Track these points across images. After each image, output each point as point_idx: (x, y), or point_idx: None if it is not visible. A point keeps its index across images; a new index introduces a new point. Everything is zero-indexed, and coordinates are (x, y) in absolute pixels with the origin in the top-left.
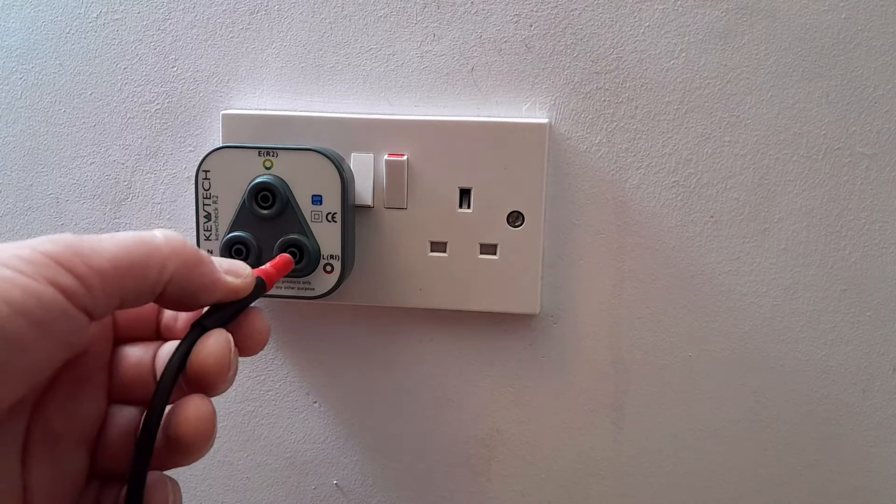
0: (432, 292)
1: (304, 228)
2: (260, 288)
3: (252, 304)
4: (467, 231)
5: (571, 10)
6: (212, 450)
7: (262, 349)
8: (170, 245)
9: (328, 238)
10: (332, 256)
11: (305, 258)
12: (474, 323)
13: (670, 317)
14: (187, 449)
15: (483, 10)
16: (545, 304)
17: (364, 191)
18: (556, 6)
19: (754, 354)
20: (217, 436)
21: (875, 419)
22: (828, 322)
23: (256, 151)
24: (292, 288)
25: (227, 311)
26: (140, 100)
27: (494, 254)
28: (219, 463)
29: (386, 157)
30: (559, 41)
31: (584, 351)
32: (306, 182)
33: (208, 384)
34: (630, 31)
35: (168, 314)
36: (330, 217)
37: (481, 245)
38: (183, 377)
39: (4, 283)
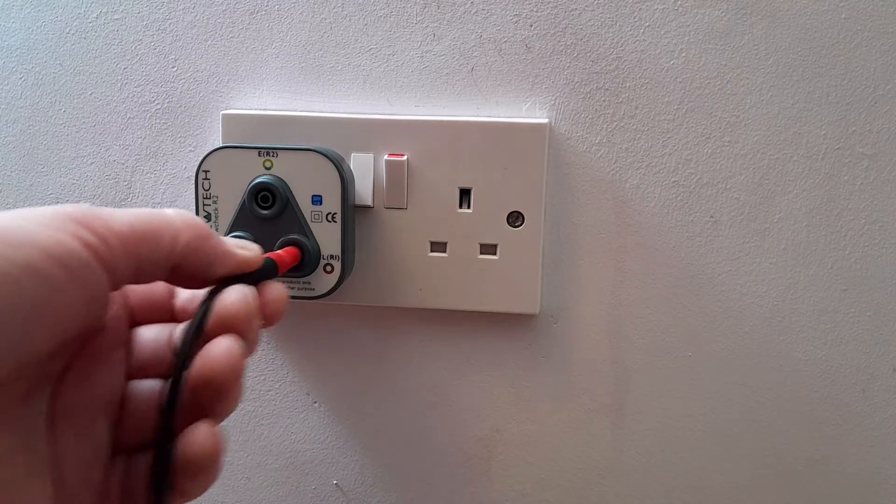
0: (432, 292)
1: (304, 228)
2: (272, 269)
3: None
4: (467, 231)
5: (571, 10)
6: None
7: (280, 318)
8: (181, 218)
9: (328, 238)
10: (332, 256)
11: (305, 258)
12: (474, 323)
13: (670, 317)
14: (217, 394)
15: (483, 10)
16: (545, 304)
17: (364, 191)
18: (556, 6)
19: (754, 354)
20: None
21: (875, 419)
22: (828, 322)
23: (256, 151)
24: (292, 288)
25: (242, 282)
26: (140, 100)
27: (494, 254)
28: None
29: (386, 157)
30: (559, 41)
31: (584, 351)
32: (306, 182)
33: (234, 330)
34: (630, 31)
35: (181, 298)
36: (330, 217)
37: (481, 245)
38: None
39: (32, 232)
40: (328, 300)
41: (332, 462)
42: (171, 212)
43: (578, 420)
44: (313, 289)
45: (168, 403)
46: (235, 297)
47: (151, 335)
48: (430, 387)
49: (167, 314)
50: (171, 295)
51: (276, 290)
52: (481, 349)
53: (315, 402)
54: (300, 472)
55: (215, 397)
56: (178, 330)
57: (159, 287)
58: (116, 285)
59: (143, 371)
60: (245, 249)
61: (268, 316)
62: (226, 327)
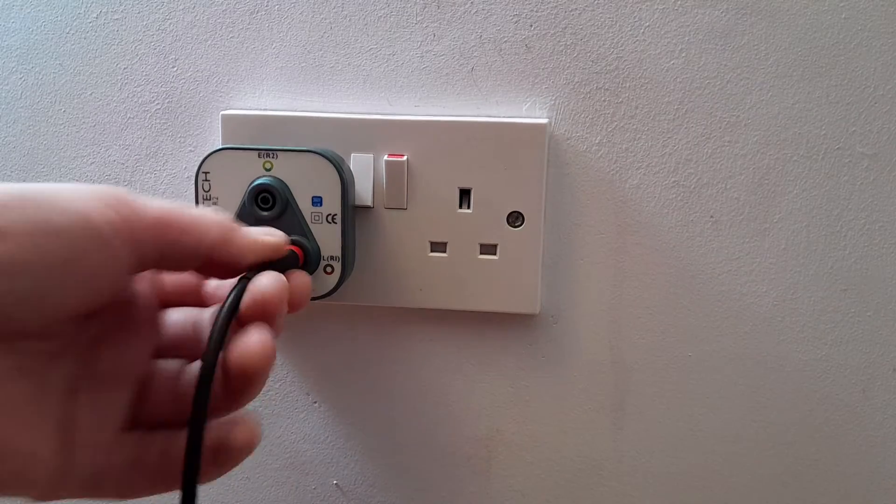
0: (432, 292)
1: (304, 230)
2: (294, 258)
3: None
4: (467, 231)
5: (571, 10)
6: None
7: (305, 306)
8: (210, 216)
9: (328, 239)
10: (332, 257)
11: (306, 259)
12: (474, 323)
13: (670, 317)
14: (251, 381)
15: (483, 10)
16: (545, 304)
17: (364, 191)
18: (556, 6)
19: (754, 354)
20: None
21: (875, 419)
22: (828, 322)
23: (256, 153)
24: None
25: (271, 269)
26: (140, 100)
27: (494, 254)
28: None
29: (386, 157)
30: (559, 41)
31: (584, 351)
32: (306, 183)
33: (267, 312)
34: (630, 31)
35: (211, 285)
36: (330, 218)
37: (481, 245)
38: (236, 321)
39: (73, 202)
40: (328, 300)
41: (332, 462)
42: (200, 210)
43: (578, 420)
44: (313, 289)
45: (202, 379)
46: (269, 281)
47: (180, 317)
48: (430, 387)
49: (196, 299)
50: (201, 282)
51: (302, 277)
52: (481, 349)
53: (315, 402)
54: (300, 472)
55: (249, 384)
56: (209, 313)
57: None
58: (141, 266)
59: (169, 351)
60: (272, 236)
61: (294, 303)
62: (259, 310)
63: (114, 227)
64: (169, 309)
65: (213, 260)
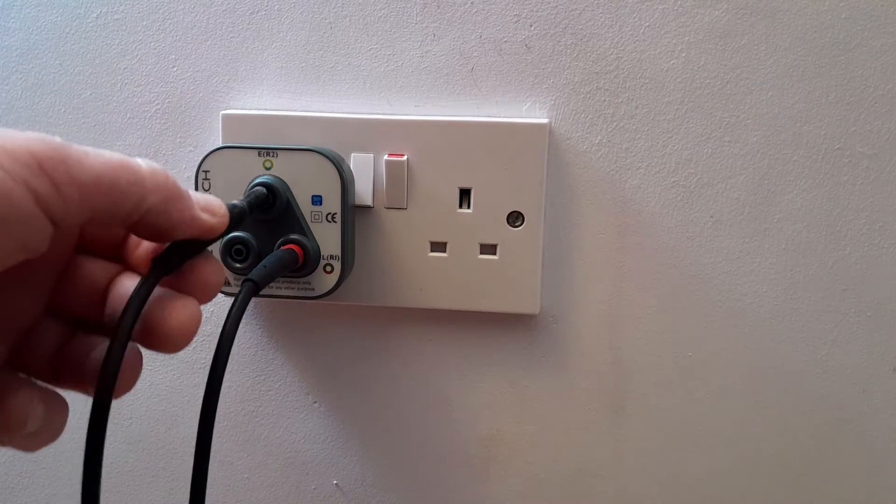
0: (432, 292)
1: (304, 229)
2: (294, 257)
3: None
4: (467, 231)
5: (571, 10)
6: (212, 450)
7: (216, 294)
8: (154, 178)
9: (328, 238)
10: (331, 257)
11: (305, 258)
12: (474, 323)
13: (670, 317)
14: (167, 344)
15: (483, 10)
16: (545, 304)
17: (364, 191)
18: (556, 6)
19: (754, 354)
20: (217, 435)
21: (875, 419)
22: (828, 322)
23: (256, 152)
24: (292, 288)
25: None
26: (140, 100)
27: (494, 254)
28: (219, 463)
29: (386, 157)
30: (559, 41)
31: (584, 351)
32: (306, 182)
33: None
34: (630, 31)
35: (133, 241)
36: (330, 217)
37: (481, 245)
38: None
39: (5, 165)
40: (328, 300)
41: (332, 462)
42: (145, 168)
43: (578, 420)
44: (313, 289)
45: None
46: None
47: (90, 274)
48: (430, 387)
49: (115, 245)
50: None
51: (212, 266)
52: (481, 349)
53: (315, 402)
54: (300, 472)
55: (166, 346)
56: (116, 294)
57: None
58: (65, 230)
59: (64, 303)
60: (211, 213)
61: (203, 294)
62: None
63: (35, 209)
64: (82, 259)
65: (144, 226)
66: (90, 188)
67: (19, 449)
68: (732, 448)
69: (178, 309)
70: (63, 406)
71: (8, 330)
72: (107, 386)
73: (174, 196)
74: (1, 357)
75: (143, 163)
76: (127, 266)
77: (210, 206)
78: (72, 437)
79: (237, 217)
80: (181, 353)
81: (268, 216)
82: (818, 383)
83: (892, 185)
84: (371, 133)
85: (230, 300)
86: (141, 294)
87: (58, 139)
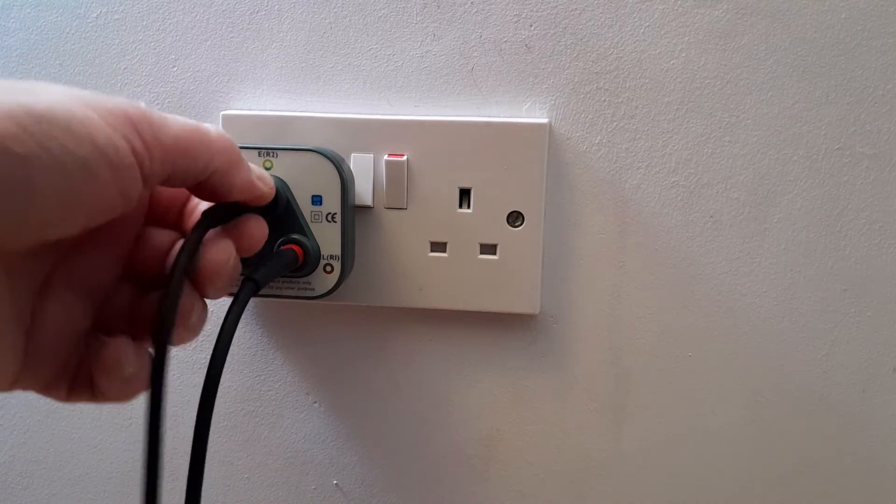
0: (432, 292)
1: (303, 228)
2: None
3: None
4: (467, 231)
5: (571, 10)
6: (212, 450)
7: (258, 248)
8: (221, 142)
9: (328, 238)
10: (331, 257)
11: (305, 258)
12: (474, 323)
13: (670, 317)
14: (202, 284)
15: (483, 10)
16: (545, 304)
17: (364, 191)
18: (556, 6)
19: (754, 354)
20: (217, 435)
21: (875, 419)
22: (828, 322)
23: (256, 152)
24: (292, 288)
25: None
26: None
27: (494, 254)
28: (219, 463)
29: (386, 157)
30: (559, 41)
31: (584, 351)
32: (306, 182)
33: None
34: (630, 31)
35: (192, 203)
36: (330, 217)
37: (481, 245)
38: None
39: (93, 127)
40: (328, 300)
41: (332, 462)
42: (213, 132)
43: (578, 420)
44: (313, 289)
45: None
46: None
47: (156, 241)
48: (430, 387)
49: (176, 218)
50: (187, 198)
51: (259, 226)
52: (481, 349)
53: (315, 402)
54: (300, 472)
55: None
56: (173, 253)
57: (181, 191)
58: (149, 185)
59: (139, 266)
60: (264, 182)
61: (244, 249)
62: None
63: (134, 161)
64: (150, 228)
65: (208, 185)
66: (171, 148)
67: (117, 400)
68: (732, 448)
69: (215, 246)
70: (147, 355)
71: (97, 289)
72: (169, 315)
73: (236, 161)
74: (88, 317)
75: (211, 128)
76: (185, 234)
77: (263, 176)
78: (72, 436)
79: (279, 196)
80: (181, 353)
81: (268, 216)
82: (818, 383)
83: (892, 185)
84: (371, 133)
85: (230, 299)
86: (192, 238)
87: (143, 104)
